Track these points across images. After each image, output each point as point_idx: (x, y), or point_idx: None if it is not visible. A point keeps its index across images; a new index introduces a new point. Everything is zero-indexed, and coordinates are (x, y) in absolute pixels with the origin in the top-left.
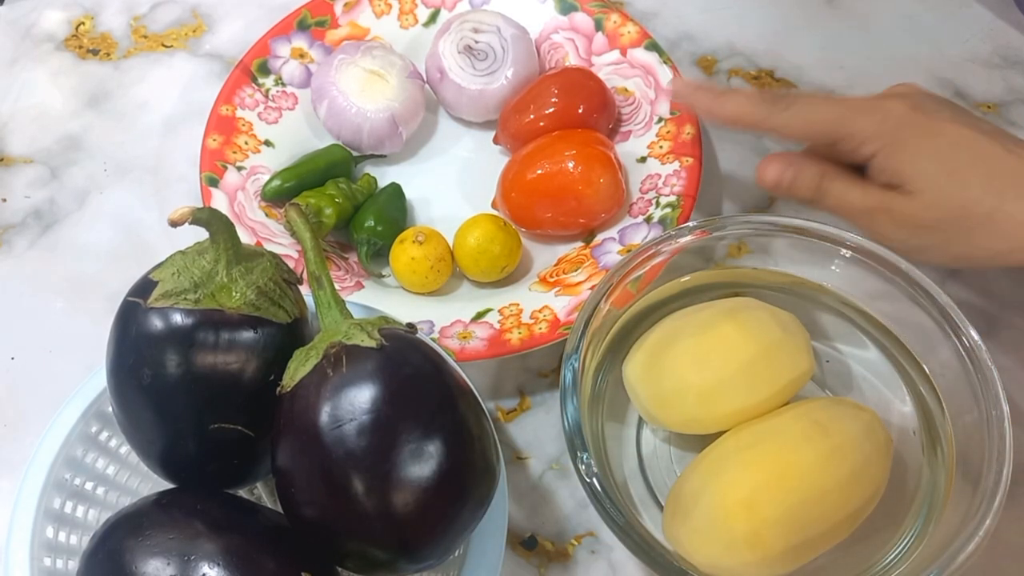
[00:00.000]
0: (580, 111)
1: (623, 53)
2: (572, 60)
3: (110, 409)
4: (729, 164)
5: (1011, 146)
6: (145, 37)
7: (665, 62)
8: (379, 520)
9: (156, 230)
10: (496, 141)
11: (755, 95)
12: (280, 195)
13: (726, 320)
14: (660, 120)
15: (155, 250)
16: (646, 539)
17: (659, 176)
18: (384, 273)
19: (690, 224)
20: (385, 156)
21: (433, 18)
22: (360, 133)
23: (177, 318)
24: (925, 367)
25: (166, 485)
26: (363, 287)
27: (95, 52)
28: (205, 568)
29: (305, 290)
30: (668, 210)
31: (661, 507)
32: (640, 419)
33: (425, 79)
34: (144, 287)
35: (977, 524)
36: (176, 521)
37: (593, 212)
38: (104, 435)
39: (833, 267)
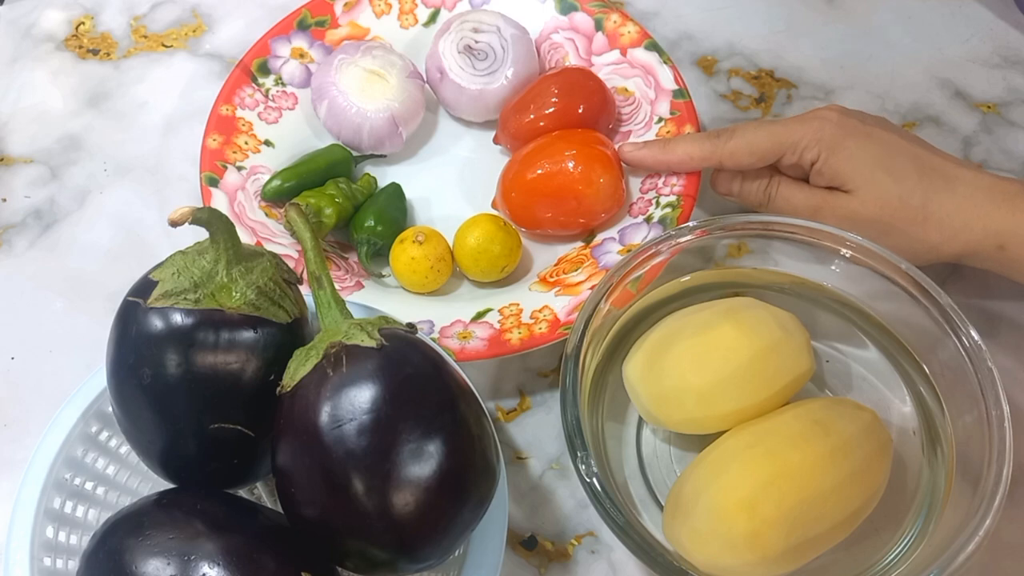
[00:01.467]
0: (580, 111)
1: (623, 53)
2: (572, 60)
3: (110, 409)
4: None
5: (930, 149)
6: (145, 37)
7: (665, 62)
8: (379, 520)
9: (156, 230)
10: (496, 141)
11: (698, 136)
12: (280, 195)
13: (726, 320)
14: (660, 120)
15: (155, 250)
16: (646, 539)
17: (659, 176)
18: (384, 273)
19: (690, 224)
20: (385, 156)
21: (433, 18)
22: (360, 133)
23: (177, 318)
24: (925, 367)
25: (166, 485)
26: (363, 287)
27: (95, 52)
28: (205, 568)
29: (305, 290)
30: (668, 210)
31: (661, 507)
32: (640, 419)
33: (425, 79)
34: (144, 287)
35: (977, 524)
36: (176, 521)
37: (593, 212)
38: (104, 435)
39: (833, 267)
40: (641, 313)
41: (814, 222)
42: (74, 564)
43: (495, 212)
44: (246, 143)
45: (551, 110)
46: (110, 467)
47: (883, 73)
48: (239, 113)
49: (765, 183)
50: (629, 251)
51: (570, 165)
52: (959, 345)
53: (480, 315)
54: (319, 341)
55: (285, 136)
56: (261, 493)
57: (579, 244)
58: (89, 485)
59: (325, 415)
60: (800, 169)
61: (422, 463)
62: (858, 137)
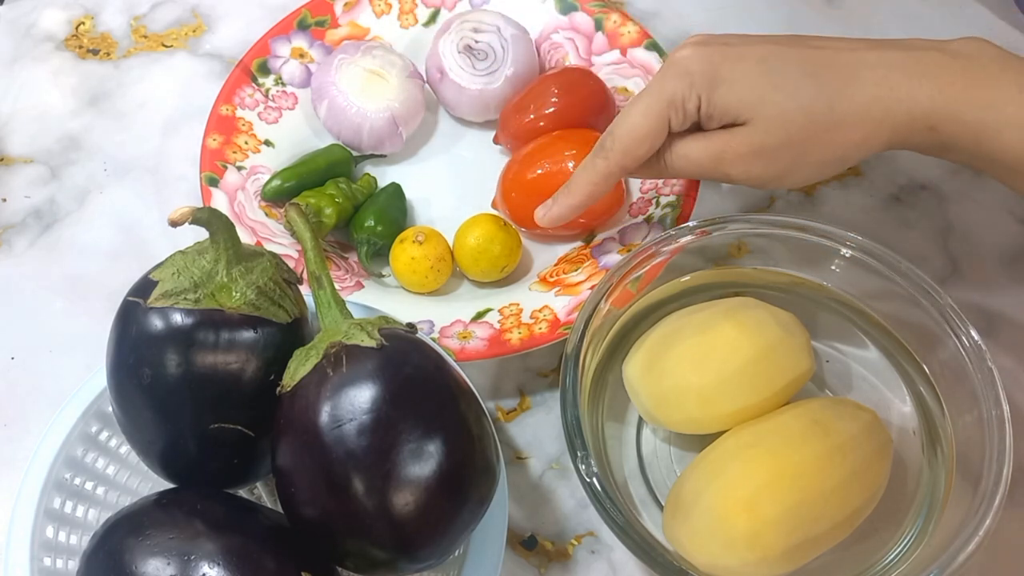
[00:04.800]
0: (580, 111)
1: (623, 53)
2: (572, 60)
3: (110, 409)
4: None
5: (814, 44)
6: (145, 37)
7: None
8: (379, 520)
9: (156, 230)
10: (496, 141)
11: (586, 161)
12: (280, 195)
13: (726, 320)
14: None
15: (155, 250)
16: (646, 539)
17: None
18: (384, 273)
19: (690, 224)
20: (385, 156)
21: (433, 18)
22: (360, 133)
23: (177, 318)
24: (925, 367)
25: (166, 485)
26: (363, 287)
27: (95, 52)
28: (205, 568)
29: (305, 290)
30: (668, 210)
31: (661, 507)
32: (640, 419)
33: (425, 79)
34: (144, 287)
35: (977, 524)
36: (176, 521)
37: (593, 212)
38: (104, 435)
39: (833, 267)
40: (641, 313)
41: (813, 222)
42: (74, 564)
43: (495, 212)
44: (246, 143)
45: (551, 110)
46: (110, 467)
47: None
48: (239, 113)
49: (660, 153)
50: (629, 251)
51: (570, 165)
52: (959, 345)
53: (480, 315)
54: (319, 341)
55: (285, 136)
56: (261, 493)
57: (579, 244)
58: (89, 485)
59: (325, 415)
60: (693, 123)
61: (422, 463)
62: (731, 62)
